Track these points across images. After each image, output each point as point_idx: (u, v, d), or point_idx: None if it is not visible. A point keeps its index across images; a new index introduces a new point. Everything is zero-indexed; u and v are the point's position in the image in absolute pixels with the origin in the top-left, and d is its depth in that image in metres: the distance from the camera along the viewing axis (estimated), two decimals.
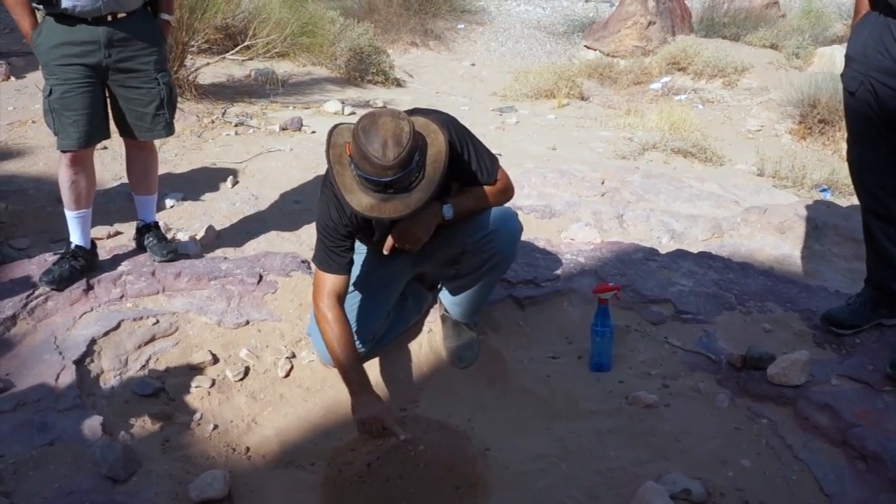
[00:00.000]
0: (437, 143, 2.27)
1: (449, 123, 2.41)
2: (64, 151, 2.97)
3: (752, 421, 2.44)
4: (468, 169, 2.49)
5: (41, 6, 2.83)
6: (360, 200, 2.21)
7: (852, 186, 4.99)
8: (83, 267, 3.05)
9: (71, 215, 3.09)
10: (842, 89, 2.76)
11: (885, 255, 2.72)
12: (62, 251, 3.12)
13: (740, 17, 10.45)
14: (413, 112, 2.37)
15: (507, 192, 2.63)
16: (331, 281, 2.49)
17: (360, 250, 2.77)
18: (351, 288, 2.74)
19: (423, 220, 2.42)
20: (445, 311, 2.86)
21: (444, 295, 2.84)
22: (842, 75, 2.73)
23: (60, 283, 2.95)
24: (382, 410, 2.38)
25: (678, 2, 10.55)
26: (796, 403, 2.45)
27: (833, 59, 8.68)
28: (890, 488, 2.09)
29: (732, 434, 2.39)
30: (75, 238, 3.10)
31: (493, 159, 2.57)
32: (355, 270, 2.77)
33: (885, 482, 2.11)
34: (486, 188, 2.55)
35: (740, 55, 9.03)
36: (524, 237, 3.77)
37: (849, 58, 2.69)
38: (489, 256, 2.60)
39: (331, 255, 2.48)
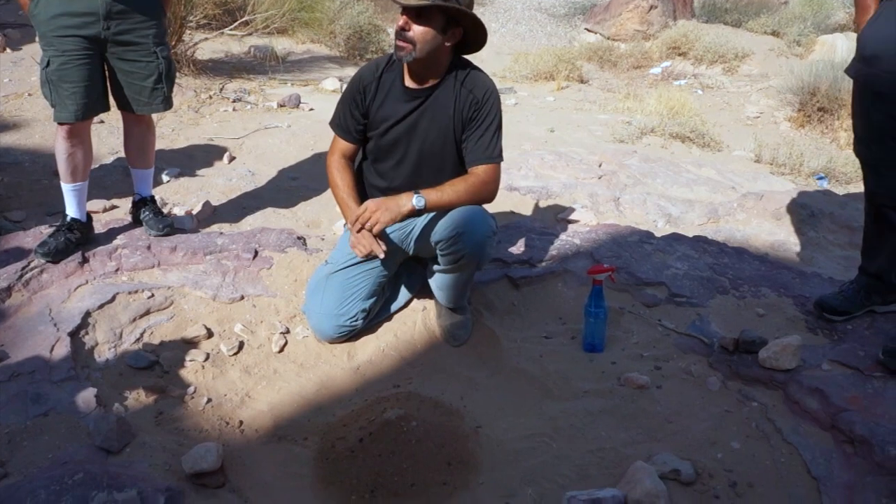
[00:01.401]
0: (474, 17, 2.56)
1: (493, 83, 2.71)
2: (61, 124, 2.96)
3: (742, 404, 2.46)
4: (480, 129, 2.63)
5: None
6: None
7: (849, 175, 5.00)
8: (78, 240, 3.05)
9: (67, 188, 3.08)
10: (852, 86, 2.65)
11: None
12: (58, 223, 3.11)
13: (742, 3, 10.42)
14: None
15: (488, 187, 2.65)
16: (342, 144, 2.81)
17: None
18: (344, 264, 2.75)
19: (393, 202, 2.51)
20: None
21: (431, 279, 2.86)
22: (861, 75, 2.58)
23: (56, 255, 2.94)
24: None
25: None
26: (787, 387, 2.47)
27: (834, 47, 8.66)
28: (876, 471, 2.11)
29: (723, 416, 2.40)
30: (71, 211, 3.09)
31: (500, 147, 2.68)
32: (347, 249, 2.78)
33: (872, 465, 2.13)
34: (468, 182, 2.61)
35: (741, 41, 9.01)
36: (520, 217, 3.80)
37: (874, 58, 2.52)
38: (458, 257, 2.63)
39: (343, 121, 2.78)
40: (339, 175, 2.78)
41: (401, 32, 2.51)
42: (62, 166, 3.04)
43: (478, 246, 2.60)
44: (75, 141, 3.01)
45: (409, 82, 2.66)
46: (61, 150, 3.01)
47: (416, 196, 2.51)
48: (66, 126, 2.96)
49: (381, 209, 2.50)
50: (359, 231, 2.55)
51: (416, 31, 2.49)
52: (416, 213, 2.54)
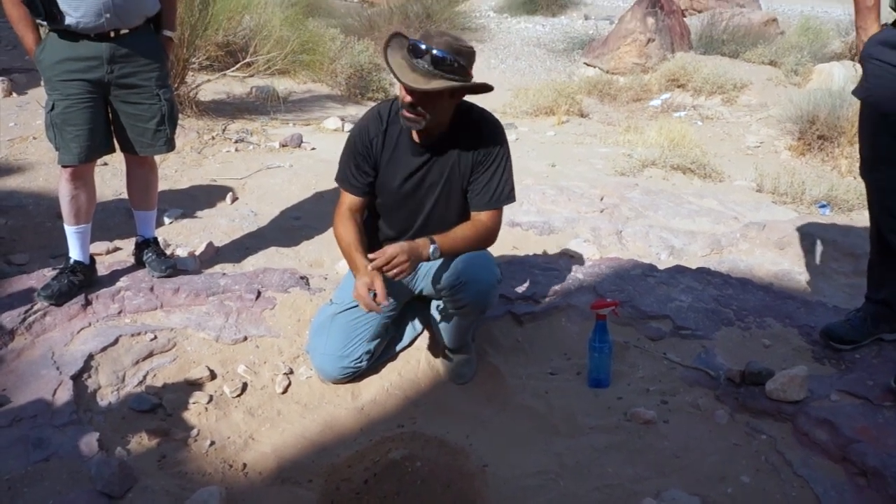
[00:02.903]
0: (483, 85, 2.50)
1: (502, 126, 2.71)
2: (65, 166, 2.98)
3: (751, 437, 2.43)
4: (487, 174, 2.64)
5: (45, 22, 2.84)
6: (396, 58, 2.46)
7: (851, 203, 4.99)
8: (81, 282, 3.05)
9: (70, 230, 3.09)
10: (859, 108, 2.66)
11: None
12: (61, 266, 3.12)
13: (739, 34, 10.49)
14: None
15: (492, 232, 2.69)
16: (349, 199, 2.73)
17: None
18: (349, 304, 2.74)
19: (415, 252, 2.48)
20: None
21: (435, 320, 2.86)
22: (868, 96, 2.61)
23: (59, 298, 2.95)
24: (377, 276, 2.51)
25: (677, 19, 10.60)
26: (795, 419, 2.44)
27: (831, 75, 8.71)
28: None
29: (731, 450, 2.38)
30: (74, 253, 3.10)
31: (512, 192, 2.71)
32: (351, 289, 2.77)
33: (886, 498, 2.09)
34: (475, 228, 2.63)
35: (739, 72, 9.06)
36: (523, 253, 3.80)
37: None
38: (462, 305, 2.63)
39: (350, 175, 2.70)
40: (344, 227, 2.67)
41: (410, 107, 2.46)
42: (65, 208, 3.06)
43: (481, 295, 2.60)
44: (79, 183, 3.03)
45: (416, 136, 2.63)
46: (65, 193, 3.03)
47: (431, 246, 2.51)
48: (69, 168, 2.98)
49: (411, 260, 2.46)
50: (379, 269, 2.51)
51: (426, 105, 2.45)
52: (429, 259, 2.55)
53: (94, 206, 3.18)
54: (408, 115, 2.48)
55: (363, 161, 2.67)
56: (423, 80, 2.39)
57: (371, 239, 2.77)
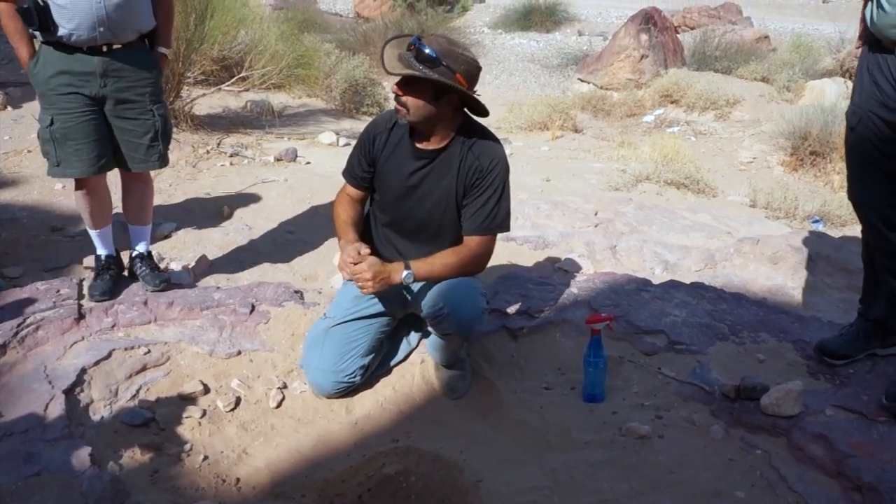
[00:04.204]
0: (479, 104, 2.58)
1: (504, 154, 2.68)
2: (77, 179, 3.06)
3: (746, 452, 2.43)
4: (481, 199, 2.61)
5: (38, 33, 2.85)
6: (392, 49, 2.52)
7: (843, 218, 5.01)
8: (118, 273, 3.23)
9: (93, 234, 3.25)
10: (844, 126, 2.74)
11: (890, 294, 2.70)
12: (95, 267, 3.25)
13: (731, 50, 10.57)
14: None
15: (478, 259, 2.67)
16: (349, 188, 2.82)
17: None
18: (343, 318, 2.74)
19: (386, 274, 2.52)
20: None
21: (427, 338, 2.85)
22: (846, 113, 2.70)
23: (111, 293, 3.11)
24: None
25: (670, 35, 10.67)
26: (790, 434, 2.44)
27: (823, 92, 8.78)
28: None
29: (726, 465, 2.37)
30: (101, 251, 3.24)
31: (506, 220, 2.67)
32: (345, 304, 2.77)
33: None
34: (458, 254, 2.62)
35: (732, 88, 9.12)
36: (517, 267, 3.80)
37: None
38: (446, 333, 2.65)
39: (353, 167, 2.78)
40: (342, 206, 2.79)
41: (396, 98, 2.54)
42: (83, 216, 3.21)
43: (463, 325, 2.60)
44: (87, 194, 3.12)
45: (416, 141, 2.65)
46: (78, 204, 3.18)
47: (405, 271, 2.53)
48: (79, 181, 3.07)
49: (376, 280, 2.50)
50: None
51: (408, 98, 2.50)
52: (403, 284, 2.57)
53: (111, 210, 3.29)
54: (396, 106, 2.56)
55: (363, 155, 2.74)
56: (399, 66, 2.47)
57: (370, 242, 2.77)
